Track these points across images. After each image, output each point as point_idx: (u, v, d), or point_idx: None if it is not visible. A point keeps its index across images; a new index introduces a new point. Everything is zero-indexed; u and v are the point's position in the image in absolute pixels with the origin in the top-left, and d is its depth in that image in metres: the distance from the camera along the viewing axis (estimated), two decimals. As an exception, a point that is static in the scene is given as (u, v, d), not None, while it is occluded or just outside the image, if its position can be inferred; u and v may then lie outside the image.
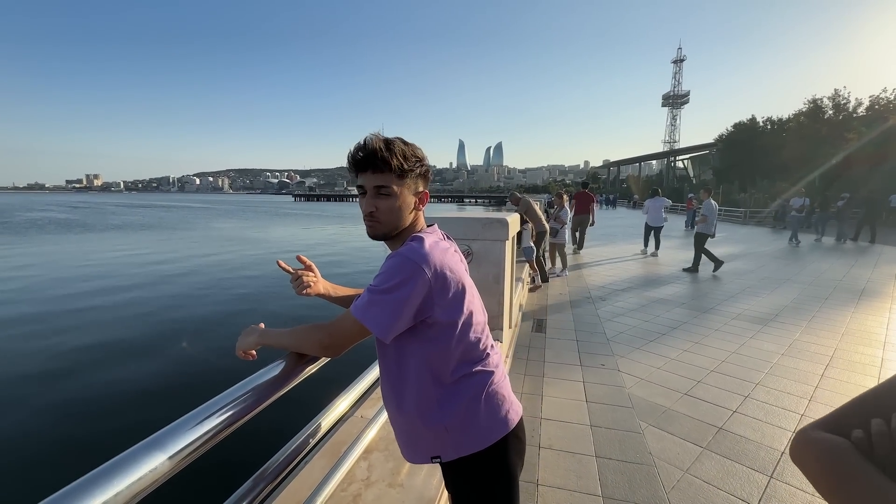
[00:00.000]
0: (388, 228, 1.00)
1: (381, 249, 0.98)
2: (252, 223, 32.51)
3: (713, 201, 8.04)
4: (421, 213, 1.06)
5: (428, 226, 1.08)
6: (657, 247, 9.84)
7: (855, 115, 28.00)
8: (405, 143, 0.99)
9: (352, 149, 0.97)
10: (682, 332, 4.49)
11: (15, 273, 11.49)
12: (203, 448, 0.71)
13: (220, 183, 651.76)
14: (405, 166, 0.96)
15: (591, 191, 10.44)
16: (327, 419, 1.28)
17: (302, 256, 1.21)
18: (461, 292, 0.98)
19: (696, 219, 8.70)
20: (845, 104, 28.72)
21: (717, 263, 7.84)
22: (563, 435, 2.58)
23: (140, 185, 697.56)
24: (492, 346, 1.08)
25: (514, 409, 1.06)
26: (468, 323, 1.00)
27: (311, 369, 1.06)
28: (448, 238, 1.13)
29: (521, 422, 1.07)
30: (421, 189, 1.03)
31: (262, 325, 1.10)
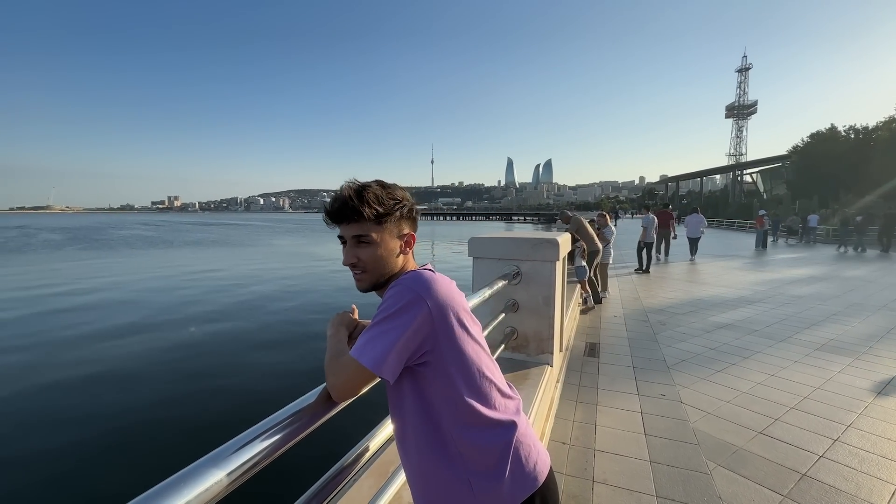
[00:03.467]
0: (375, 278, 0.95)
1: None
2: (308, 240, 34.32)
3: (652, 214, 10.56)
4: (409, 256, 1.01)
5: (422, 266, 1.02)
6: (695, 252, 12.44)
7: (961, 119, 24.78)
8: (383, 185, 0.96)
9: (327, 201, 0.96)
10: (754, 363, 4.08)
11: (104, 284, 12.91)
12: (259, 465, 0.74)
13: (281, 203, 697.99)
14: (381, 211, 0.92)
15: (668, 208, 13.07)
16: (375, 440, 1.28)
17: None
18: (467, 328, 0.91)
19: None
20: (948, 108, 25.49)
21: (647, 268, 9.97)
22: (620, 470, 2.41)
23: (212, 206, 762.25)
24: (510, 391, 0.99)
25: (542, 459, 0.95)
26: (478, 363, 0.91)
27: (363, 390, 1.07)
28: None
29: (550, 472, 0.96)
30: (406, 231, 0.98)
31: (354, 312, 1.07)
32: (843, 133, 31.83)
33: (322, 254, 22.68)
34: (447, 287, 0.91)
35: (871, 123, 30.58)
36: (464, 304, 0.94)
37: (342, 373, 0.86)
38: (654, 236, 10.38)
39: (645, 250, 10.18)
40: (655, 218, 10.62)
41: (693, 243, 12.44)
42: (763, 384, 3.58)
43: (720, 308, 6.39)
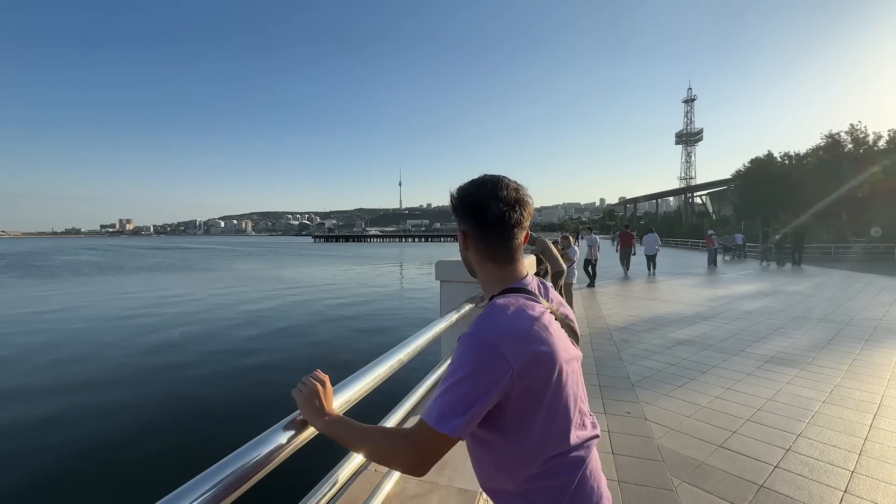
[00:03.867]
0: (469, 269, 1.00)
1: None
2: (270, 263, 33.24)
3: (595, 235, 12.01)
4: (496, 261, 0.92)
5: (521, 279, 0.92)
6: (653, 269, 14.06)
7: (875, 147, 27.67)
8: (472, 183, 0.92)
9: None
10: (712, 377, 4.26)
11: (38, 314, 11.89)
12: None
13: (243, 226, 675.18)
14: (453, 209, 0.94)
15: (629, 230, 15.32)
16: (342, 473, 1.23)
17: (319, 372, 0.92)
18: (552, 369, 0.81)
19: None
20: (864, 138, 28.47)
21: (591, 282, 10.99)
22: (590, 491, 2.41)
23: (168, 229, 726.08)
24: (590, 425, 0.92)
25: (604, 502, 0.89)
26: (562, 405, 0.84)
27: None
28: (544, 286, 0.99)
29: None
30: (462, 228, 0.94)
31: (326, 384, 0.89)
32: (779, 159, 34.73)
33: (288, 277, 21.98)
34: (528, 326, 0.81)
35: (802, 150, 33.63)
36: (552, 338, 0.83)
37: (423, 443, 0.77)
38: (598, 255, 11.49)
39: (590, 267, 11.31)
40: (598, 238, 11.96)
41: (650, 260, 14.11)
42: (720, 398, 3.74)
43: (678, 324, 6.68)
